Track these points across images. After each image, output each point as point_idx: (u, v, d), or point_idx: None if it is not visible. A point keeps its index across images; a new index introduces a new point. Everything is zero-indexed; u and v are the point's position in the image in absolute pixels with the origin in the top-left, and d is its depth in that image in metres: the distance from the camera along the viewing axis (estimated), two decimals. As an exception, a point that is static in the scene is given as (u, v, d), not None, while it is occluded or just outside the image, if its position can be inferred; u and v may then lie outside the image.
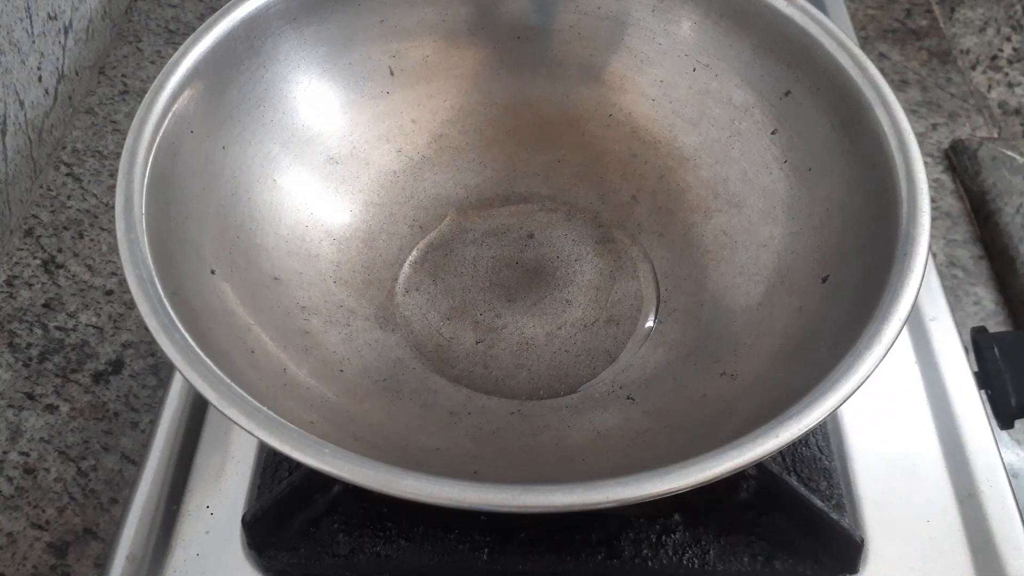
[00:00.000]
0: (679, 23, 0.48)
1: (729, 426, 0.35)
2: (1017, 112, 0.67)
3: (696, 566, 0.41)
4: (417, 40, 0.50)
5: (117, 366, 0.53)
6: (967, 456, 0.45)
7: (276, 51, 0.45)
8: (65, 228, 0.59)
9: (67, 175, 0.62)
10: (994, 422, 0.46)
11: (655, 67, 0.49)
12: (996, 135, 0.65)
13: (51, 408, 0.51)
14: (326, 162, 0.48)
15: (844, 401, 0.32)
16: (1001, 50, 0.71)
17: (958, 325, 0.50)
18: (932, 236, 0.37)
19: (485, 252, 0.49)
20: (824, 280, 0.41)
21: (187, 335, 0.33)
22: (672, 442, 0.39)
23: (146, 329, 0.33)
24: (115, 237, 0.36)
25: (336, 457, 0.30)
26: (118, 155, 0.41)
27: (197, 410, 0.47)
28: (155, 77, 0.40)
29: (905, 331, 0.49)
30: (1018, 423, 0.46)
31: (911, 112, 0.66)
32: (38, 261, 0.57)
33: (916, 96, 0.68)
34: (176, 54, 0.41)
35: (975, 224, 0.60)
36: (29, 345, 0.53)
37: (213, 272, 0.40)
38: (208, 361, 0.33)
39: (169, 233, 0.38)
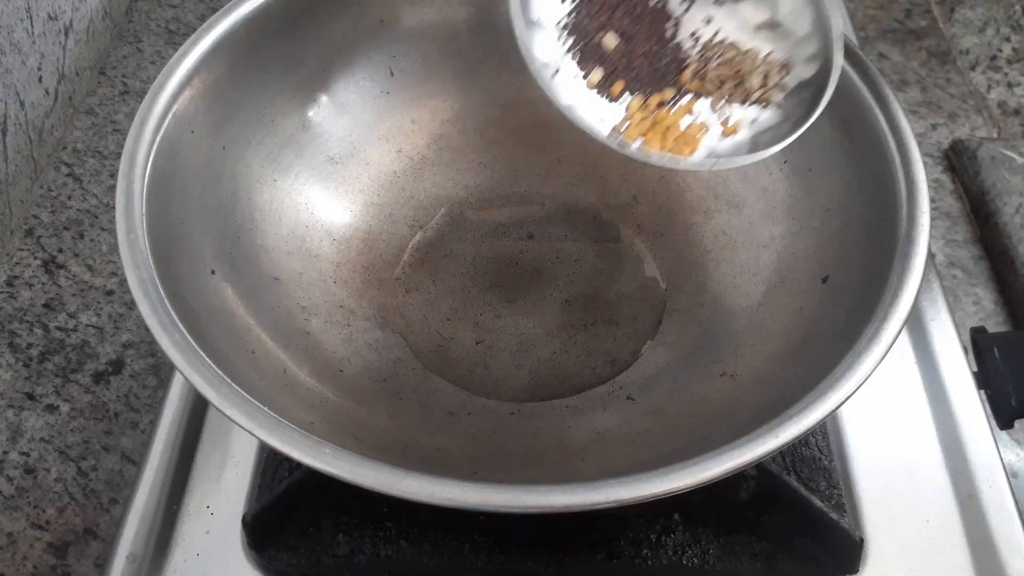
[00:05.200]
0: (679, 23, 0.48)
1: (729, 426, 0.35)
2: (1016, 112, 0.68)
3: (696, 566, 0.41)
4: (417, 40, 0.50)
5: (117, 366, 0.53)
6: (967, 456, 0.45)
7: (276, 52, 0.45)
8: (65, 228, 0.59)
9: (67, 175, 0.62)
10: (994, 422, 0.46)
11: (655, 67, 0.49)
12: (995, 135, 0.66)
13: (51, 408, 0.51)
14: (326, 162, 0.48)
15: (844, 401, 0.32)
16: (1000, 50, 0.71)
17: (958, 325, 0.50)
18: (932, 236, 0.37)
19: (485, 252, 0.49)
20: (824, 280, 0.41)
21: (187, 335, 0.33)
22: (672, 442, 0.39)
23: (146, 329, 0.34)
24: (115, 237, 0.36)
25: (336, 457, 0.30)
26: (118, 155, 0.41)
27: (197, 410, 0.47)
28: (155, 77, 0.41)
29: (905, 331, 0.49)
30: (1018, 423, 0.46)
31: (911, 112, 0.66)
32: (38, 261, 0.57)
33: (916, 96, 0.68)
34: (176, 54, 0.41)
35: (975, 224, 0.60)
36: (29, 345, 0.53)
37: (213, 272, 0.40)
38: (208, 361, 0.33)
39: (169, 233, 0.38)
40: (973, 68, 0.70)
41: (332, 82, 0.48)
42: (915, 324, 0.50)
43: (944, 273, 0.57)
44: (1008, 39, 0.72)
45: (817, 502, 0.40)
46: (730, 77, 0.40)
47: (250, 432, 0.31)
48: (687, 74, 0.40)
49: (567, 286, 0.48)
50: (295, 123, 0.47)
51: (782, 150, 0.45)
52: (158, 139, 0.39)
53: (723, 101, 0.40)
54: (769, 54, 0.40)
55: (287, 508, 0.41)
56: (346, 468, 0.30)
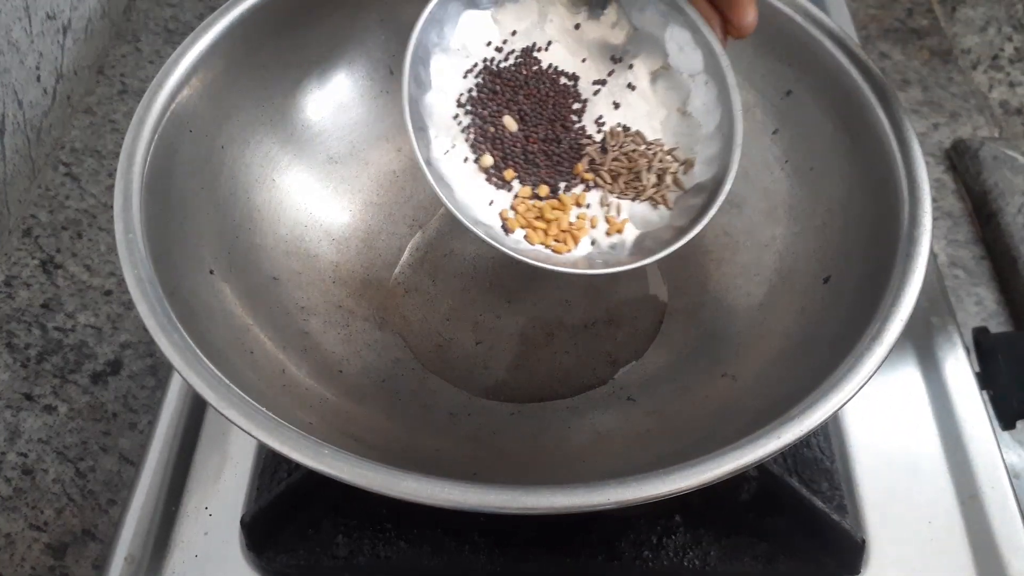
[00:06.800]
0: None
1: (730, 427, 0.35)
2: (1018, 112, 0.67)
3: (697, 567, 0.40)
4: (417, 39, 0.49)
5: (115, 367, 0.52)
6: (969, 457, 0.45)
7: (275, 50, 0.45)
8: (63, 228, 0.59)
9: (65, 175, 0.62)
10: (996, 423, 0.46)
11: (656, 67, 0.49)
12: (997, 135, 0.65)
13: (49, 409, 0.50)
14: (325, 162, 0.48)
15: (846, 402, 0.32)
16: (1002, 50, 0.71)
17: (960, 325, 0.50)
18: (933, 236, 0.37)
19: (485, 252, 0.49)
20: (826, 281, 0.41)
21: (186, 335, 0.33)
22: (673, 443, 0.39)
23: (145, 329, 0.33)
24: (114, 237, 0.36)
25: (335, 458, 0.30)
26: (117, 155, 0.41)
27: (196, 411, 0.46)
28: (154, 77, 0.40)
29: (907, 332, 0.49)
30: (1020, 424, 0.46)
31: (912, 112, 0.66)
32: (36, 261, 0.57)
33: (917, 96, 0.68)
34: (175, 53, 0.41)
35: (977, 224, 0.60)
36: (27, 346, 0.53)
37: (212, 272, 0.40)
38: (207, 361, 0.33)
39: (167, 233, 0.38)
40: (975, 67, 0.70)
41: (331, 81, 0.48)
42: (917, 324, 0.50)
43: (946, 273, 0.57)
44: (1010, 38, 0.71)
45: (819, 503, 0.40)
46: (625, 171, 0.39)
47: (249, 433, 0.31)
48: (582, 165, 0.39)
49: (567, 286, 0.48)
50: (294, 122, 0.47)
51: (783, 149, 0.45)
52: (156, 138, 0.39)
53: (614, 196, 0.39)
54: (673, 150, 0.40)
55: (286, 509, 0.41)
56: (345, 469, 0.30)
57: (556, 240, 0.38)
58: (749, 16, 0.36)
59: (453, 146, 0.39)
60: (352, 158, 0.49)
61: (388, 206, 0.50)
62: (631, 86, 0.40)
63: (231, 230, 0.43)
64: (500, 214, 0.39)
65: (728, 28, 0.37)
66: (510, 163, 0.39)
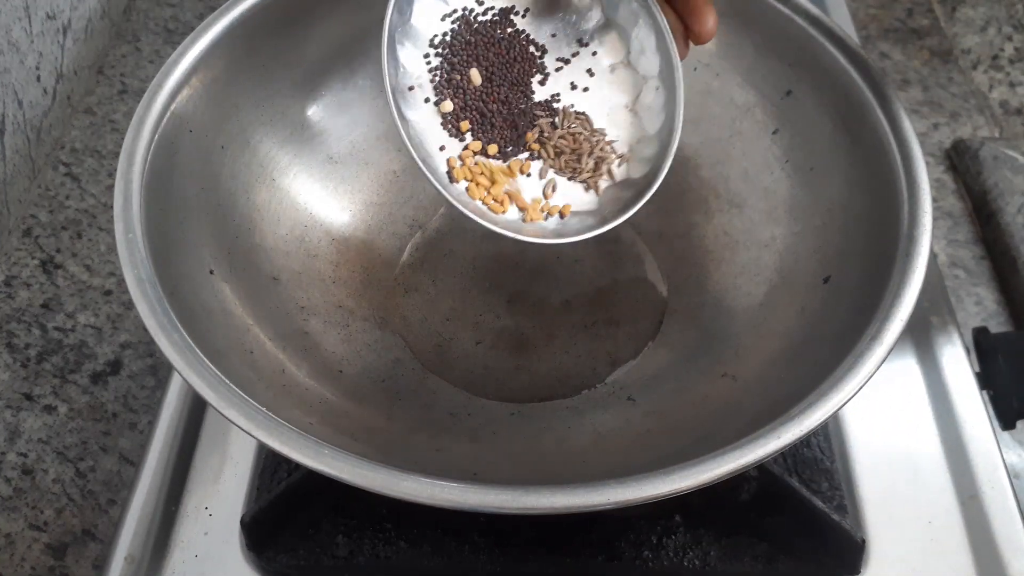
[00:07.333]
0: (680, 22, 0.47)
1: (730, 427, 0.35)
2: (1019, 112, 0.67)
3: (697, 568, 0.40)
4: (417, 39, 0.49)
5: (115, 367, 0.52)
6: (969, 457, 0.45)
7: (275, 50, 0.45)
8: (63, 228, 0.59)
9: (65, 175, 0.62)
10: (996, 423, 0.46)
11: (656, 67, 0.49)
12: (997, 135, 0.65)
13: (49, 409, 0.50)
14: (325, 161, 0.48)
15: (846, 402, 0.32)
16: (1002, 49, 0.71)
17: (960, 325, 0.50)
18: (933, 236, 0.37)
19: (485, 252, 0.49)
20: (826, 280, 0.41)
21: (186, 335, 0.33)
22: (673, 443, 0.39)
23: (144, 329, 0.33)
24: (114, 237, 0.36)
25: (335, 458, 0.30)
26: (117, 155, 0.41)
27: (195, 411, 0.46)
28: (154, 76, 0.40)
29: (907, 332, 0.49)
30: (1020, 424, 0.46)
31: (912, 112, 0.66)
32: (36, 261, 0.57)
33: (917, 96, 0.68)
34: (175, 53, 0.41)
35: (977, 224, 0.60)
36: (27, 345, 0.53)
37: (212, 272, 0.40)
38: (207, 361, 0.33)
39: (167, 233, 0.38)
40: (975, 67, 0.70)
41: (331, 81, 0.48)
42: (917, 324, 0.50)
43: (946, 273, 0.57)
44: (1010, 38, 0.71)
45: (819, 503, 0.40)
46: (569, 150, 0.41)
47: (249, 433, 0.31)
48: (532, 134, 0.41)
49: (567, 286, 0.48)
50: (294, 122, 0.47)
51: (783, 149, 0.45)
52: (156, 138, 0.39)
53: (553, 171, 0.41)
54: (612, 142, 0.41)
55: (286, 509, 0.41)
56: (345, 469, 0.30)
57: (495, 200, 0.40)
58: (708, 24, 0.37)
59: (419, 84, 0.40)
60: (352, 158, 0.49)
61: (388, 206, 0.50)
62: (591, 72, 0.42)
63: (231, 230, 0.43)
64: (448, 161, 0.40)
65: (689, 35, 0.39)
66: (468, 115, 0.40)
